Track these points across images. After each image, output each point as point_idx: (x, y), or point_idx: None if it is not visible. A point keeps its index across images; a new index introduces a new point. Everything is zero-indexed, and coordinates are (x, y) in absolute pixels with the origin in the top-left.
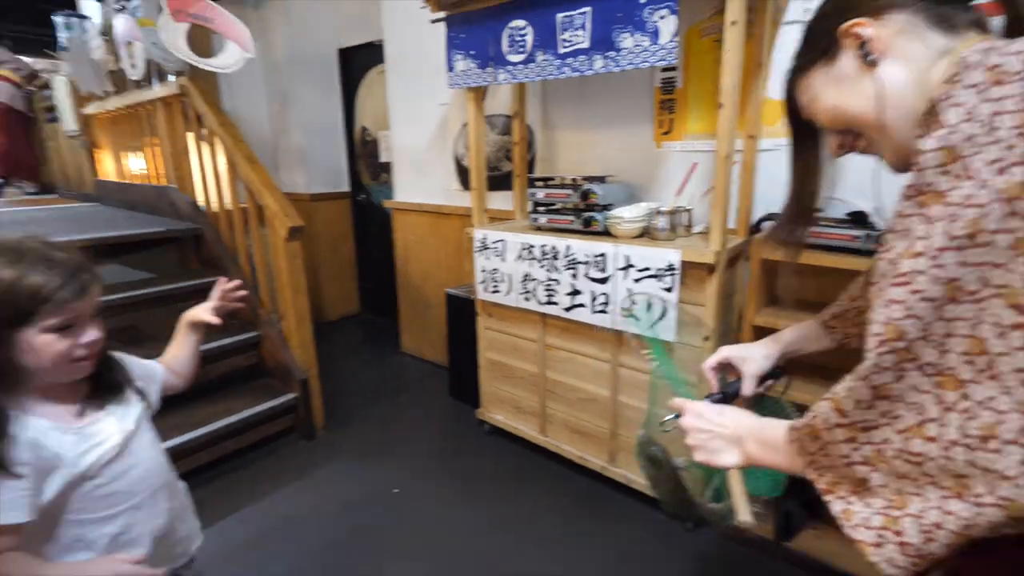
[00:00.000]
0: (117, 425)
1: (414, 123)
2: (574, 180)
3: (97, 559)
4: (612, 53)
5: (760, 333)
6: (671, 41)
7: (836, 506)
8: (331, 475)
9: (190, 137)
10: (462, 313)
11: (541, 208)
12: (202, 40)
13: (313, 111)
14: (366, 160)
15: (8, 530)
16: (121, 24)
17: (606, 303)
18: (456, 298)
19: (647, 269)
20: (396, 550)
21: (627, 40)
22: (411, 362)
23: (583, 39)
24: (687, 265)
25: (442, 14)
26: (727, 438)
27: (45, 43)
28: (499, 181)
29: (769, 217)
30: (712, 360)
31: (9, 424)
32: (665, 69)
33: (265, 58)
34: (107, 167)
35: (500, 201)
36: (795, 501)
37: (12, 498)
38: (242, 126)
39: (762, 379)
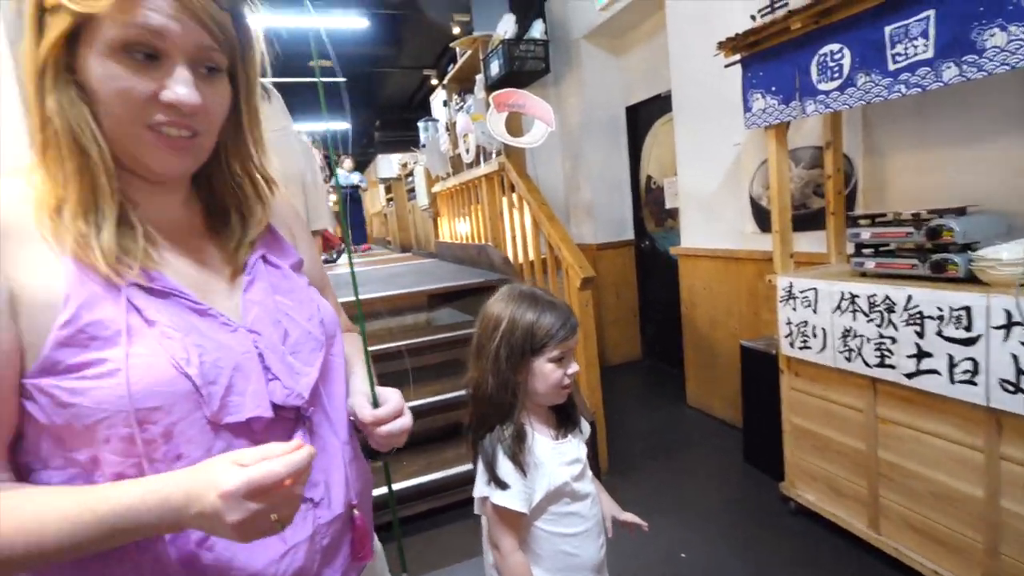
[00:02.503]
0: (578, 451)
1: (703, 166)
2: (916, 215)
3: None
4: (971, 57)
5: None
6: None
7: None
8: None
9: (504, 202)
10: (760, 368)
11: (867, 250)
12: (515, 123)
13: (601, 167)
14: (651, 207)
15: (514, 516)
16: (461, 120)
17: (974, 371)
18: (752, 351)
19: None
20: None
21: (996, 37)
22: (697, 416)
23: (924, 49)
24: None
25: (737, 57)
26: None
27: (410, 142)
28: (806, 221)
29: None
30: None
31: (526, 434)
32: None
33: (561, 126)
34: (444, 231)
35: (807, 243)
36: None
37: (519, 491)
38: (540, 187)
39: None
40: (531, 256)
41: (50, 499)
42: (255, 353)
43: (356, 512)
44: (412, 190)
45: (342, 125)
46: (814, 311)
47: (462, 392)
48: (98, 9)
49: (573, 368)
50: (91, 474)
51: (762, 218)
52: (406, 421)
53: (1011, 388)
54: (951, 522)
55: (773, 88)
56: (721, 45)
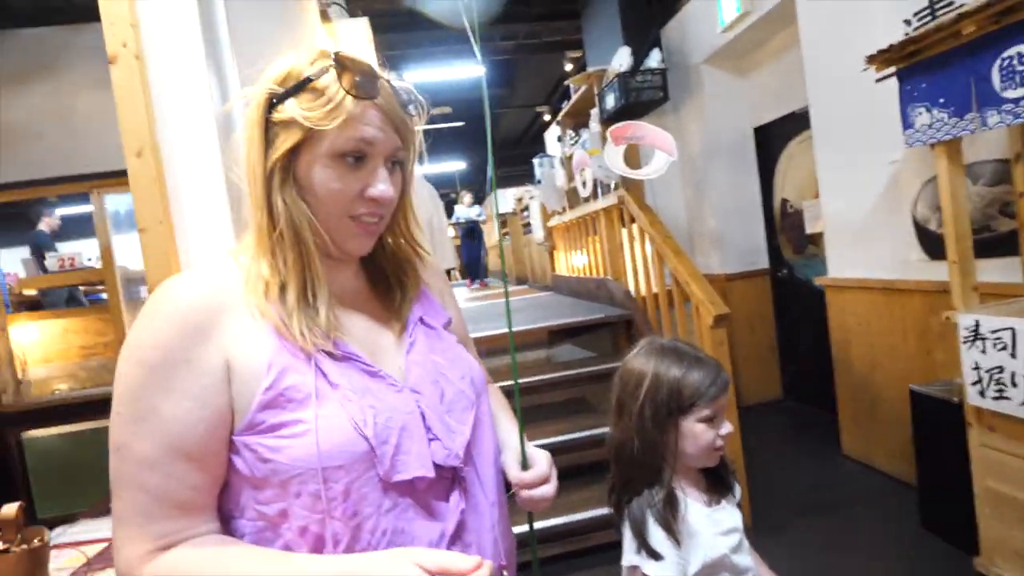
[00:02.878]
0: (734, 519)
1: (851, 187)
2: None
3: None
4: None
5: None
6: None
7: None
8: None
9: (624, 233)
10: (938, 419)
11: None
12: (632, 155)
13: (727, 192)
14: (788, 234)
15: None
16: (577, 155)
17: None
18: (926, 398)
19: None
20: None
21: None
22: (857, 469)
23: None
24: None
25: (891, 69)
26: None
27: (523, 176)
28: (991, 245)
29: None
30: None
31: (678, 500)
32: None
33: (681, 153)
34: (560, 264)
35: (994, 272)
36: None
37: (673, 563)
38: (662, 216)
39: None
40: (655, 289)
41: (258, 562)
42: (418, 413)
43: (505, 573)
44: (527, 224)
45: (459, 165)
46: (1012, 355)
47: (585, 433)
48: (328, 127)
49: (726, 428)
50: (278, 527)
51: (931, 244)
52: (550, 489)
53: None
54: None
55: (941, 100)
56: (871, 59)
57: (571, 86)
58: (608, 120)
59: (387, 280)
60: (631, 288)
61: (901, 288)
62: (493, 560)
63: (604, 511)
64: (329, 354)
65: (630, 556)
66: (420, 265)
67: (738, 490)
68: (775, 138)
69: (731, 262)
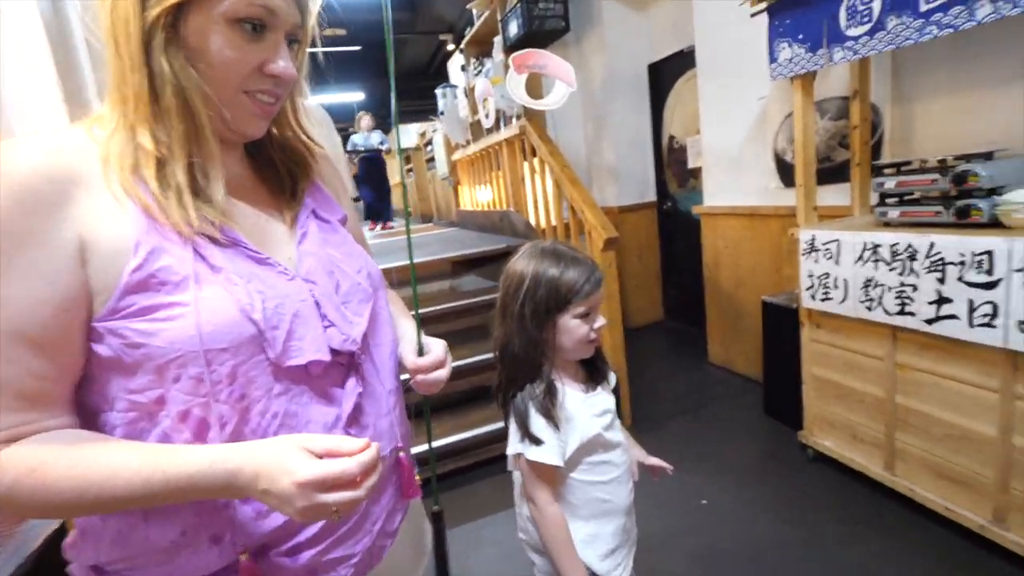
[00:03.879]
0: (607, 402)
1: (727, 123)
2: (942, 162)
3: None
4: None
5: None
6: None
7: None
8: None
9: (525, 167)
10: (781, 323)
11: (891, 200)
12: (535, 85)
13: (623, 128)
14: (673, 168)
15: (549, 470)
16: (480, 85)
17: (993, 315)
18: (774, 307)
19: None
20: (705, 563)
21: None
22: (720, 374)
23: None
24: None
25: (763, 5)
26: None
27: (429, 111)
28: (831, 174)
29: None
30: None
31: (557, 390)
32: None
33: (582, 86)
34: (464, 199)
35: (832, 196)
36: None
37: (553, 445)
38: (562, 150)
39: None
40: (553, 221)
41: (125, 454)
42: (312, 301)
43: (402, 454)
44: (431, 159)
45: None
46: (836, 263)
47: (486, 356)
48: None
49: (600, 322)
50: (155, 415)
51: (787, 173)
52: (444, 373)
53: None
54: (964, 461)
55: (800, 36)
56: None
57: (474, 11)
58: (511, 49)
59: (276, 170)
60: (532, 220)
61: (763, 213)
62: (389, 443)
63: (501, 425)
64: (210, 238)
65: (514, 444)
66: (311, 159)
67: (613, 377)
68: (666, 75)
69: (625, 195)
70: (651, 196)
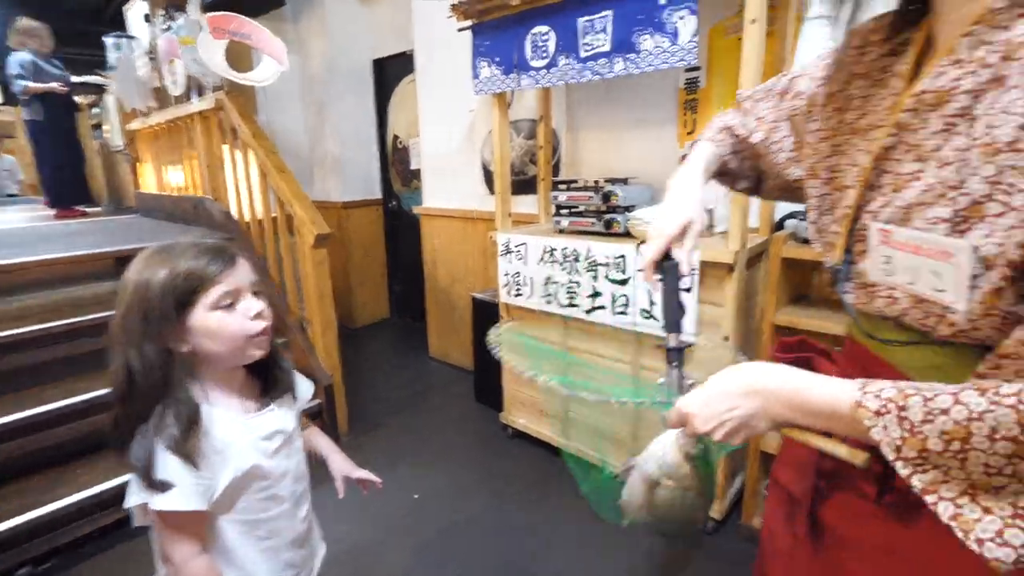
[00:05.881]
0: (281, 422)
1: (443, 130)
2: (596, 182)
3: None
4: (632, 55)
5: (781, 333)
6: (691, 41)
7: (942, 508)
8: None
9: (226, 149)
10: (487, 317)
11: (564, 211)
12: (242, 56)
13: (348, 121)
14: (398, 167)
15: (189, 518)
16: (164, 43)
17: (626, 305)
18: (481, 302)
19: None
20: (421, 553)
21: (647, 42)
22: (438, 367)
23: (604, 42)
24: (706, 265)
25: (468, 23)
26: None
27: (96, 63)
28: (525, 185)
29: (792, 215)
30: (655, 250)
31: (199, 416)
32: (689, 69)
33: (302, 71)
34: (148, 180)
35: (526, 205)
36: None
37: (190, 487)
38: (278, 138)
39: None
40: (260, 214)
41: None
42: None
43: None
44: (98, 125)
45: None
46: (525, 263)
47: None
48: None
49: (256, 307)
50: None
51: (491, 181)
52: None
53: (647, 315)
54: (610, 420)
55: (497, 58)
56: (454, 8)
57: None
58: (210, 7)
59: None
60: (234, 210)
61: (473, 217)
62: None
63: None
64: None
65: (135, 495)
66: None
67: (307, 386)
68: (390, 74)
69: (349, 190)
70: (377, 193)
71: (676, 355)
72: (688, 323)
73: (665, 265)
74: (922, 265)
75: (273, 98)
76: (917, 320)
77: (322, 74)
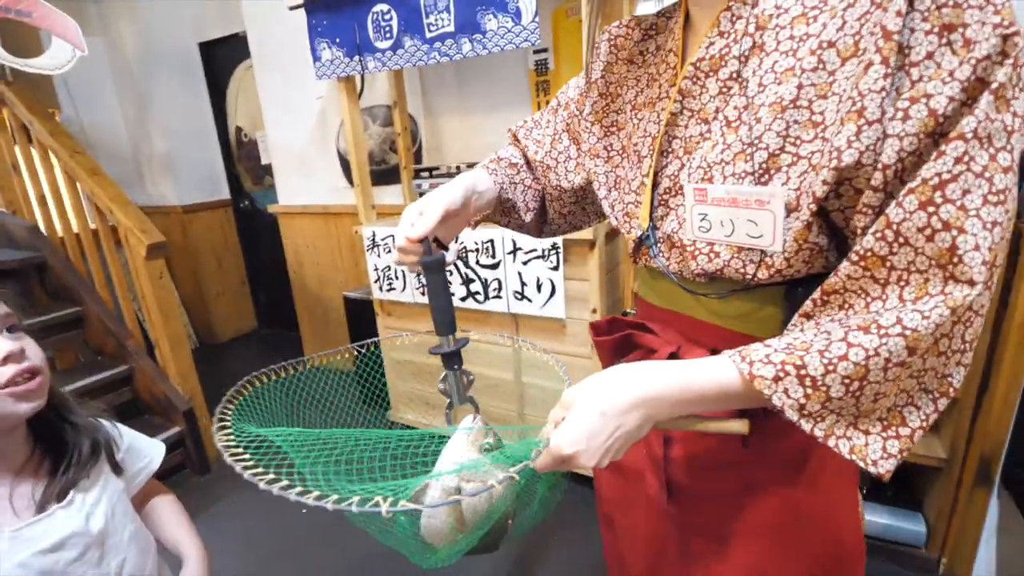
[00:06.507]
0: (78, 520)
1: (291, 120)
2: (458, 168)
3: None
4: (478, 36)
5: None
6: (532, 21)
7: (841, 445)
8: (233, 507)
9: (21, 152)
10: (362, 315)
11: None
12: (29, 38)
13: (177, 113)
14: (246, 163)
15: None
16: None
17: (499, 288)
18: (354, 300)
19: (533, 251)
20: (314, 571)
21: (491, 22)
22: (316, 373)
23: (448, 22)
24: (568, 243)
25: (300, 0)
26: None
27: None
28: (387, 175)
29: None
30: (424, 228)
31: None
32: (537, 51)
33: (112, 57)
34: None
35: (390, 196)
36: None
37: None
38: (91, 135)
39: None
40: (75, 227)
41: None
42: None
43: None
44: None
45: None
46: (394, 256)
47: None
48: None
49: (4, 346)
50: None
51: (350, 173)
52: None
53: (519, 296)
54: (500, 401)
55: (337, 39)
56: None
57: None
58: None
59: None
60: (42, 225)
61: (335, 212)
62: None
63: None
64: None
65: None
66: None
67: (145, 451)
68: (223, 59)
69: (190, 192)
70: (224, 194)
71: (455, 359)
72: (557, 302)
73: (426, 262)
74: (739, 216)
75: (79, 89)
76: (737, 270)
77: (138, 60)
